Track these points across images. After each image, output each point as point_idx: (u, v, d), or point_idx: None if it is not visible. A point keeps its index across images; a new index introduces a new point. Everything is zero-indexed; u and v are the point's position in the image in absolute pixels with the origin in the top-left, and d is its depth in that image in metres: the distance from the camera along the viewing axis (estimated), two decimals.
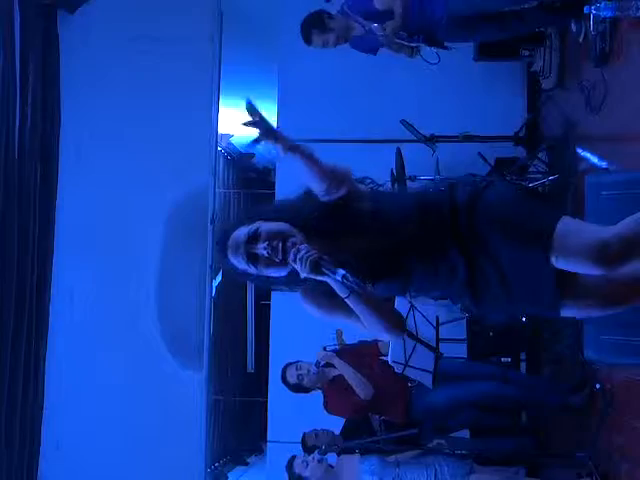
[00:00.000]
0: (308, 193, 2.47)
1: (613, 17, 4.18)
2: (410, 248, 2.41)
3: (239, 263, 2.40)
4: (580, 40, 4.85)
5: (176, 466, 6.48)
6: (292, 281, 2.42)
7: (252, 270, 2.38)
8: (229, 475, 8.63)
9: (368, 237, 2.42)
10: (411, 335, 4.63)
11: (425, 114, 6.28)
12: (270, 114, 7.01)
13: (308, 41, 4.85)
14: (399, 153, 5.91)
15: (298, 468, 4.76)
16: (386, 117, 6.30)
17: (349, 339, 5.55)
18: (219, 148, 7.38)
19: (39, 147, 6.35)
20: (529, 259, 2.39)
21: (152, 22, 6.78)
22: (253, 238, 2.36)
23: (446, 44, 4.77)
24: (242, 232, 2.38)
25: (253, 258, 2.36)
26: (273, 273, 2.38)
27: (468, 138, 6.02)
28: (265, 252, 2.33)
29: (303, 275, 2.29)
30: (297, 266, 2.28)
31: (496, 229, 2.40)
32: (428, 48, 4.72)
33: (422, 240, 2.41)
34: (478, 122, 6.23)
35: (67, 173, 6.64)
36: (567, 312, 2.50)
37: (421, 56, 4.88)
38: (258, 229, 2.36)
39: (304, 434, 5.23)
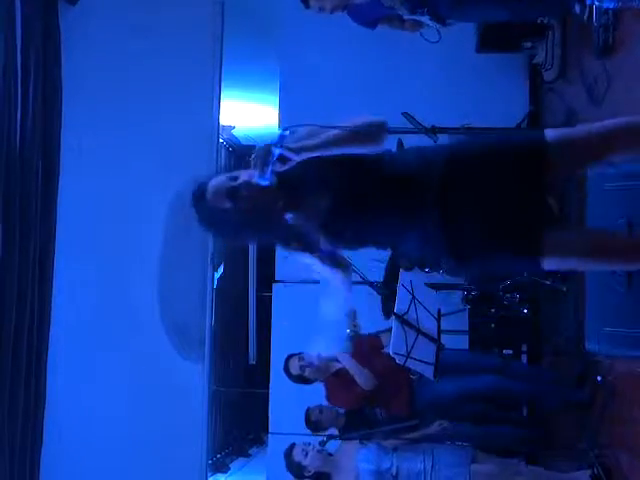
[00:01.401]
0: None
1: (616, 9, 4.17)
2: (386, 207, 2.54)
3: (219, 201, 2.57)
4: (584, 19, 4.77)
5: (178, 457, 6.51)
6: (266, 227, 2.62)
7: (230, 205, 2.55)
8: (231, 466, 8.66)
9: (342, 193, 2.54)
10: (412, 327, 4.62)
11: (427, 105, 6.26)
12: (272, 106, 7.01)
13: (305, 3, 4.84)
14: (400, 144, 5.90)
15: (298, 456, 4.78)
16: (387, 108, 6.26)
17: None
18: (221, 140, 7.38)
19: (41, 141, 6.34)
20: (520, 186, 2.49)
21: (153, 14, 6.77)
22: (233, 178, 2.56)
23: (449, 22, 4.74)
24: (222, 177, 2.61)
25: (233, 194, 2.54)
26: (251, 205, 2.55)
27: (470, 129, 6.01)
28: (247, 176, 2.52)
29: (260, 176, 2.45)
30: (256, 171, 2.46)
31: (484, 164, 2.51)
32: (429, 25, 4.70)
33: (399, 201, 2.53)
34: (480, 114, 6.22)
35: (69, 166, 6.63)
36: (549, 263, 2.55)
37: (421, 34, 4.86)
38: (233, 174, 2.58)
39: (308, 408, 5.26)
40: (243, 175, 2.55)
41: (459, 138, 2.79)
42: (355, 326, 5.27)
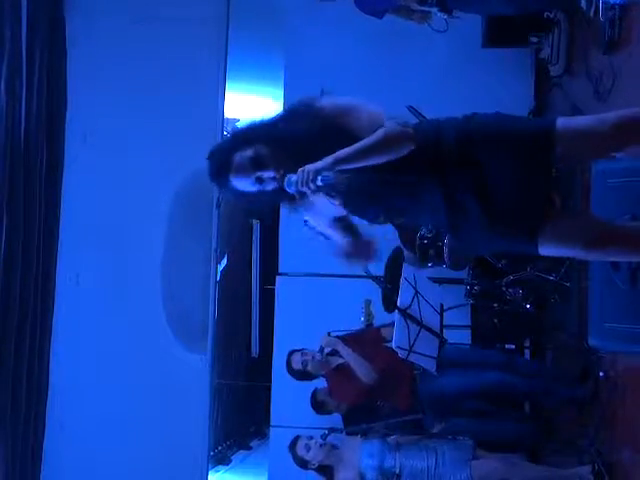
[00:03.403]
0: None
1: (622, 4, 4.17)
2: (398, 178, 2.57)
3: (242, 184, 2.64)
4: (591, 14, 4.77)
5: (179, 449, 6.52)
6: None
7: (255, 189, 2.61)
8: (232, 458, 8.66)
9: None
10: (415, 321, 4.62)
11: (432, 100, 6.24)
12: (276, 99, 7.00)
13: None
14: None
15: (300, 451, 4.80)
16: (393, 102, 6.25)
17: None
18: (225, 132, 7.37)
19: (45, 131, 6.35)
20: (527, 170, 2.50)
21: (158, 4, 6.77)
22: (257, 164, 2.59)
23: (456, 13, 4.74)
24: (244, 157, 2.61)
25: (260, 180, 2.60)
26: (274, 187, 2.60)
27: None
28: (274, 177, 2.56)
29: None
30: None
31: (494, 145, 2.54)
32: (437, 16, 4.70)
33: (409, 174, 2.57)
34: (485, 108, 6.18)
35: (73, 157, 6.65)
36: (546, 249, 2.57)
37: (429, 24, 4.86)
38: (259, 154, 2.60)
39: (316, 389, 5.29)
40: (267, 159, 2.56)
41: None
42: (370, 315, 5.29)
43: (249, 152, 2.60)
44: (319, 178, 2.43)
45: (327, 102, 2.66)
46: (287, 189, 2.50)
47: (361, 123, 2.58)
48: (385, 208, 2.67)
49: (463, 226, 2.59)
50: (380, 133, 2.53)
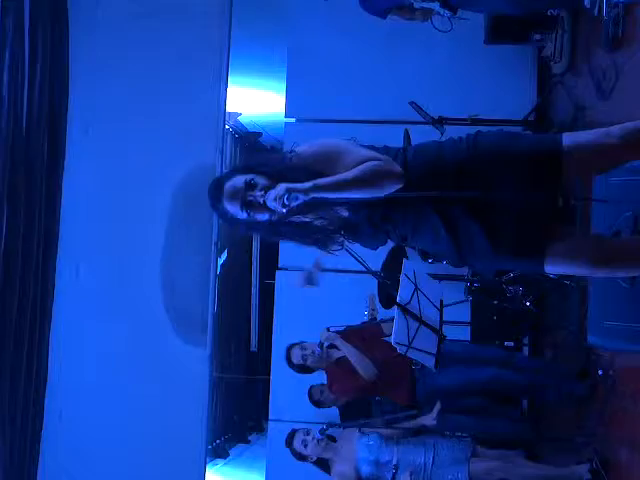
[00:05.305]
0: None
1: (626, 2, 4.17)
2: (398, 207, 2.56)
3: (233, 209, 2.58)
4: (594, 12, 4.76)
5: (178, 442, 6.53)
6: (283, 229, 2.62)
7: (244, 215, 2.57)
8: (230, 452, 8.68)
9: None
10: (415, 317, 4.62)
11: (434, 96, 6.25)
12: (278, 93, 7.00)
13: None
14: (407, 135, 5.88)
15: (298, 447, 4.83)
16: (395, 98, 6.28)
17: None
18: (227, 126, 7.37)
19: (47, 122, 6.35)
20: (533, 191, 2.47)
21: None
22: (250, 186, 2.55)
23: (460, 14, 4.74)
24: (239, 180, 2.58)
25: (248, 205, 2.55)
26: (262, 217, 2.58)
27: (477, 121, 5.99)
28: (262, 199, 2.52)
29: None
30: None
31: (498, 168, 2.50)
32: (440, 13, 4.69)
33: (410, 204, 2.54)
34: (487, 105, 6.20)
35: (74, 148, 6.65)
36: (553, 267, 2.57)
37: (432, 23, 4.85)
38: (254, 179, 2.55)
39: (311, 386, 5.31)
40: (260, 184, 2.54)
41: (467, 135, 2.68)
42: (374, 310, 5.30)
43: (243, 177, 2.59)
44: (287, 196, 2.42)
45: (305, 148, 2.65)
46: (268, 205, 2.48)
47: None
48: (386, 233, 2.66)
49: (466, 250, 2.58)
50: (366, 167, 2.49)
